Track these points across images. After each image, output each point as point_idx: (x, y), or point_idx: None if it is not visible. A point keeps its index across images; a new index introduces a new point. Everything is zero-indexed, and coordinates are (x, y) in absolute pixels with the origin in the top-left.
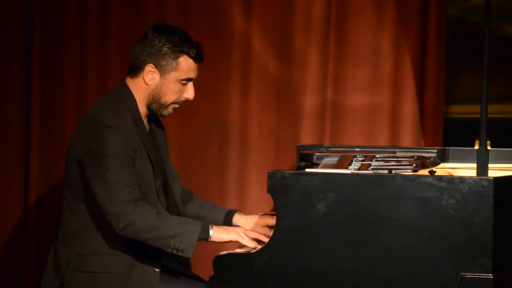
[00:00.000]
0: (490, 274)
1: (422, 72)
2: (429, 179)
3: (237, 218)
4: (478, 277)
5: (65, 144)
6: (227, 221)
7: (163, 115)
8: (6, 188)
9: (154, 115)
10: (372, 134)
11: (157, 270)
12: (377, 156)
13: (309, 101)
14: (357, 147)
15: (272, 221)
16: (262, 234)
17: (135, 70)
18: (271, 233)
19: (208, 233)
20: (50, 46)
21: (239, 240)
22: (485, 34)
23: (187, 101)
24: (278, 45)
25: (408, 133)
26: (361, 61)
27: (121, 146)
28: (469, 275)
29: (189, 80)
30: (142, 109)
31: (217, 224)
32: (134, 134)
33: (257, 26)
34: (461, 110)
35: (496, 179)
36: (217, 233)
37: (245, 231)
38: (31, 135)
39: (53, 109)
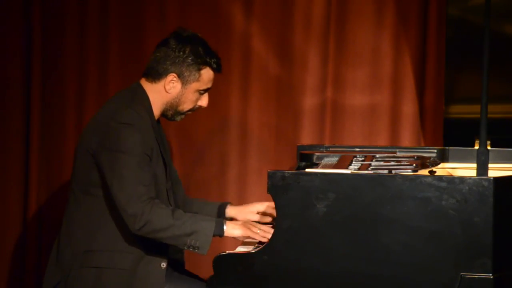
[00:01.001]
0: (490, 274)
1: (422, 72)
2: (429, 179)
3: (230, 210)
4: (478, 277)
5: (65, 145)
6: (220, 214)
7: (175, 120)
8: (6, 188)
9: (158, 119)
10: (372, 134)
11: (163, 266)
12: (377, 156)
13: (309, 101)
14: (357, 147)
15: (261, 207)
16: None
17: (155, 76)
18: (263, 219)
19: (222, 228)
20: (50, 46)
21: (251, 235)
22: (485, 34)
23: (200, 108)
24: (278, 45)
25: (408, 133)
26: (361, 61)
27: (139, 144)
28: (469, 275)
29: (207, 90)
30: (156, 112)
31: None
32: (151, 132)
33: (257, 26)
34: (461, 110)
35: (496, 179)
36: (229, 228)
37: (257, 225)
38: (31, 135)
39: (53, 110)
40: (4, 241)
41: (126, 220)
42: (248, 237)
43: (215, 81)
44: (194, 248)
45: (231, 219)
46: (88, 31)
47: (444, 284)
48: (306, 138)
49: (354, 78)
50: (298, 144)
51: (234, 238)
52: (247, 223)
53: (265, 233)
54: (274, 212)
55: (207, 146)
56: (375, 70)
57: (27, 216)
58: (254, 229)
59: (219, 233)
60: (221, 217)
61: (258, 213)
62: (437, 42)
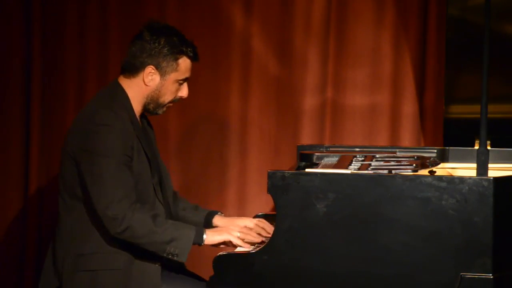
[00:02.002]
0: (490, 274)
1: (422, 72)
2: (429, 179)
3: (217, 220)
4: (478, 277)
5: None
6: (207, 222)
7: (157, 114)
8: (6, 188)
9: (143, 114)
10: (372, 134)
11: (158, 265)
12: (377, 156)
13: (309, 101)
14: (357, 147)
15: (249, 223)
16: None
17: (132, 70)
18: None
19: (202, 237)
20: (50, 46)
21: (231, 239)
22: (485, 34)
23: (181, 99)
24: (278, 45)
25: (408, 133)
26: (361, 61)
27: (117, 145)
28: (469, 275)
29: (185, 79)
30: (137, 108)
31: (198, 225)
32: (131, 131)
33: (257, 26)
34: (461, 110)
35: (496, 179)
36: (209, 236)
37: (242, 229)
38: (31, 135)
39: (53, 109)
40: (4, 241)
41: (106, 223)
42: (230, 242)
43: (215, 80)
44: (173, 255)
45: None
46: (88, 31)
47: (444, 284)
48: (306, 138)
49: (354, 78)
50: (298, 144)
51: (215, 245)
52: (227, 227)
53: (246, 235)
54: (262, 230)
55: (207, 146)
56: (375, 70)
57: (27, 216)
58: (235, 234)
59: (198, 241)
60: (209, 225)
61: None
62: (437, 42)
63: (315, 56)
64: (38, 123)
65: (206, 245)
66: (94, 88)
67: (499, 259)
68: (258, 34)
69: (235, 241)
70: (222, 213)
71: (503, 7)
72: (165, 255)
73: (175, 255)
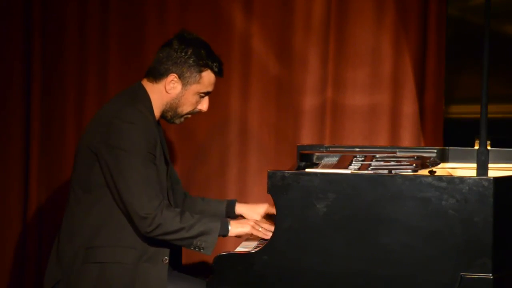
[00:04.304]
0: (490, 274)
1: (422, 72)
2: (429, 179)
3: (239, 208)
4: (478, 277)
5: (65, 145)
6: (230, 212)
7: (174, 123)
8: (6, 188)
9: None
10: (372, 134)
11: (165, 260)
12: (377, 156)
13: (309, 101)
14: (357, 147)
15: (270, 209)
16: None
17: (156, 75)
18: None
19: (227, 228)
20: (50, 46)
21: (254, 232)
22: (485, 34)
23: (199, 112)
24: (278, 45)
25: (408, 133)
26: (361, 61)
27: (143, 142)
28: (469, 275)
29: (207, 93)
30: (156, 113)
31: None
32: (154, 131)
33: (257, 26)
34: (461, 110)
35: (496, 179)
36: (234, 228)
37: (259, 223)
38: (31, 135)
39: (53, 110)
40: (4, 241)
41: (137, 222)
42: (251, 234)
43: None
44: (200, 248)
45: (241, 216)
46: (88, 31)
47: (444, 284)
48: (306, 138)
49: (354, 78)
50: (298, 144)
51: (237, 236)
52: (250, 221)
53: (267, 232)
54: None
55: (207, 146)
56: (375, 70)
57: (27, 216)
58: (257, 227)
59: (224, 233)
60: (231, 215)
61: (266, 214)
62: (437, 42)
63: (315, 56)
64: (38, 123)
65: (230, 236)
66: (94, 88)
67: (499, 259)
68: (258, 34)
69: (259, 234)
70: (237, 200)
71: (503, 7)
72: (192, 248)
73: (202, 248)
